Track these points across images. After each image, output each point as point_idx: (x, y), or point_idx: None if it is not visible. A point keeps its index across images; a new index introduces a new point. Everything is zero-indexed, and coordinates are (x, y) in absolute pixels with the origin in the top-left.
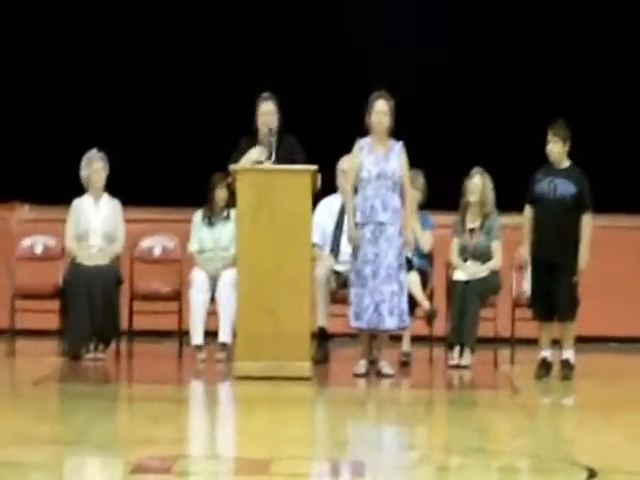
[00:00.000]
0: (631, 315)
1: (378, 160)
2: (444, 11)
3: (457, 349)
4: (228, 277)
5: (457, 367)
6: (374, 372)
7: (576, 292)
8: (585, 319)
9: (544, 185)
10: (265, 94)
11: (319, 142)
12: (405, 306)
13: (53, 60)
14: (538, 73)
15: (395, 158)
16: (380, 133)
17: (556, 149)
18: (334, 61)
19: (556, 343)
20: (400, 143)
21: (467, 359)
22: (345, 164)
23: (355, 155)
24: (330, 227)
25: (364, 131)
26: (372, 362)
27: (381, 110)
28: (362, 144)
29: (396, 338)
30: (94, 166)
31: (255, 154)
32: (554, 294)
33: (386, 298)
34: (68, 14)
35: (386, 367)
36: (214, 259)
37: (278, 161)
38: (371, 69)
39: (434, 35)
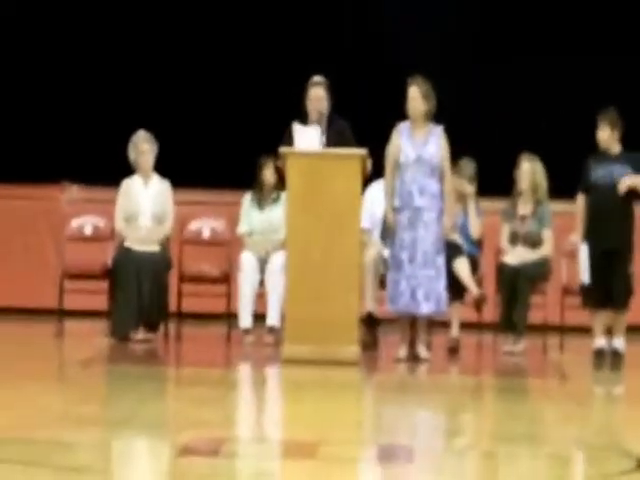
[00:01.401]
0: None
1: (417, 144)
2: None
3: (509, 335)
4: (277, 260)
5: (510, 353)
6: (412, 356)
7: (631, 281)
8: (636, 308)
9: (599, 172)
10: (316, 78)
11: (371, 126)
12: (442, 291)
13: (103, 41)
14: (591, 58)
15: (434, 142)
16: (416, 118)
17: (604, 135)
18: (384, 45)
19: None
20: (440, 127)
21: (520, 345)
22: None
23: (394, 139)
24: (379, 212)
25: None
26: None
27: (412, 96)
28: (401, 128)
29: (445, 324)
30: (140, 148)
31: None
32: (610, 282)
33: (422, 283)
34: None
35: (423, 351)
36: (263, 242)
37: (328, 145)
38: (419, 54)
39: (476, 22)
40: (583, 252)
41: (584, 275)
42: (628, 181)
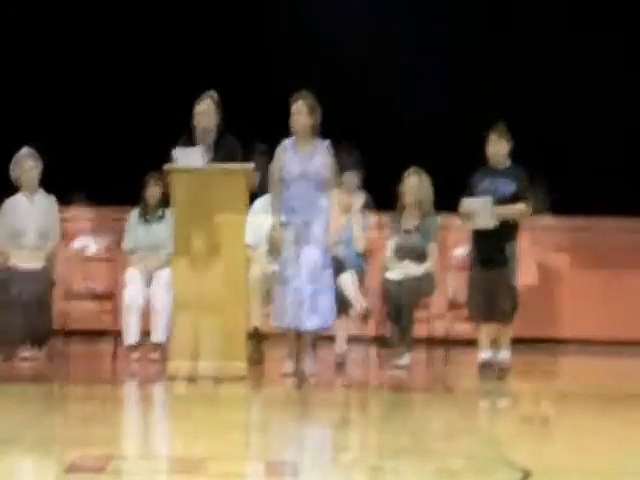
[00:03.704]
0: (567, 316)
1: (302, 160)
2: (373, 8)
3: (395, 349)
4: (163, 276)
5: (396, 367)
6: (299, 371)
7: (516, 294)
8: (521, 319)
9: (485, 186)
10: (206, 93)
11: (262, 139)
12: (328, 307)
13: None
14: (477, 73)
15: (320, 157)
16: (300, 133)
17: (502, 150)
18: (273, 60)
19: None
20: (326, 142)
21: (405, 359)
22: None
23: (278, 155)
24: (265, 227)
25: None
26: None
27: (295, 111)
28: (286, 144)
29: (331, 338)
30: (24, 166)
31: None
32: (495, 296)
33: (308, 298)
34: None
35: (308, 366)
36: (149, 258)
37: (214, 160)
38: (308, 70)
39: (369, 32)
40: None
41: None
42: (498, 212)
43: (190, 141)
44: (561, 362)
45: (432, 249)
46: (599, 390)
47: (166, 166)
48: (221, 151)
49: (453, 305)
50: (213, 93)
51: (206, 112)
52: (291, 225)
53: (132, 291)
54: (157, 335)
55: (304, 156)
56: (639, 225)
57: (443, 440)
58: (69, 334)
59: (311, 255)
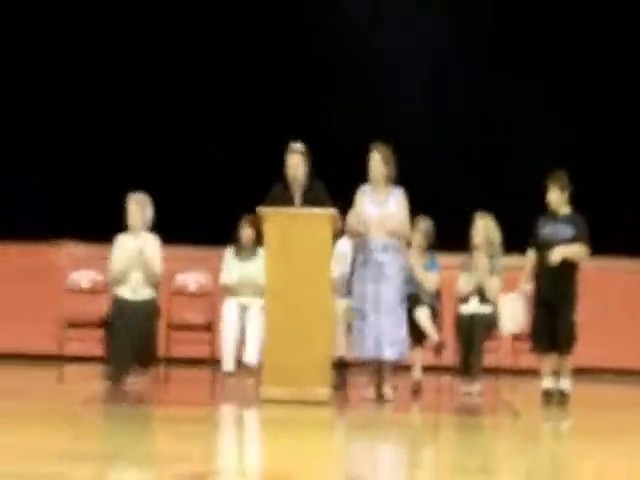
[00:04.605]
0: (624, 349)
1: (378, 204)
2: (449, 59)
3: (466, 377)
4: (256, 307)
5: (468, 395)
6: (379, 397)
7: (574, 329)
8: (581, 352)
9: (546, 231)
10: (293, 146)
11: (348, 186)
12: (404, 338)
13: (96, 106)
14: (540, 119)
15: (394, 202)
16: (376, 181)
17: (554, 197)
18: (361, 108)
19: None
20: (400, 189)
21: (476, 387)
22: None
23: (358, 200)
24: (346, 266)
25: None
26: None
27: (372, 160)
28: (364, 189)
29: (408, 367)
30: (129, 207)
31: None
32: (555, 330)
33: (385, 330)
34: (98, 62)
35: (388, 392)
36: (243, 291)
37: (304, 205)
38: (389, 115)
39: (440, 82)
40: (517, 304)
41: (507, 324)
42: (560, 251)
43: (284, 188)
44: (619, 391)
45: (494, 283)
46: None
47: (259, 209)
48: (310, 197)
49: (518, 338)
50: (300, 146)
51: (297, 165)
52: (369, 265)
53: (229, 321)
54: (250, 358)
55: (380, 201)
56: None
57: (509, 460)
58: (172, 362)
59: (387, 292)
